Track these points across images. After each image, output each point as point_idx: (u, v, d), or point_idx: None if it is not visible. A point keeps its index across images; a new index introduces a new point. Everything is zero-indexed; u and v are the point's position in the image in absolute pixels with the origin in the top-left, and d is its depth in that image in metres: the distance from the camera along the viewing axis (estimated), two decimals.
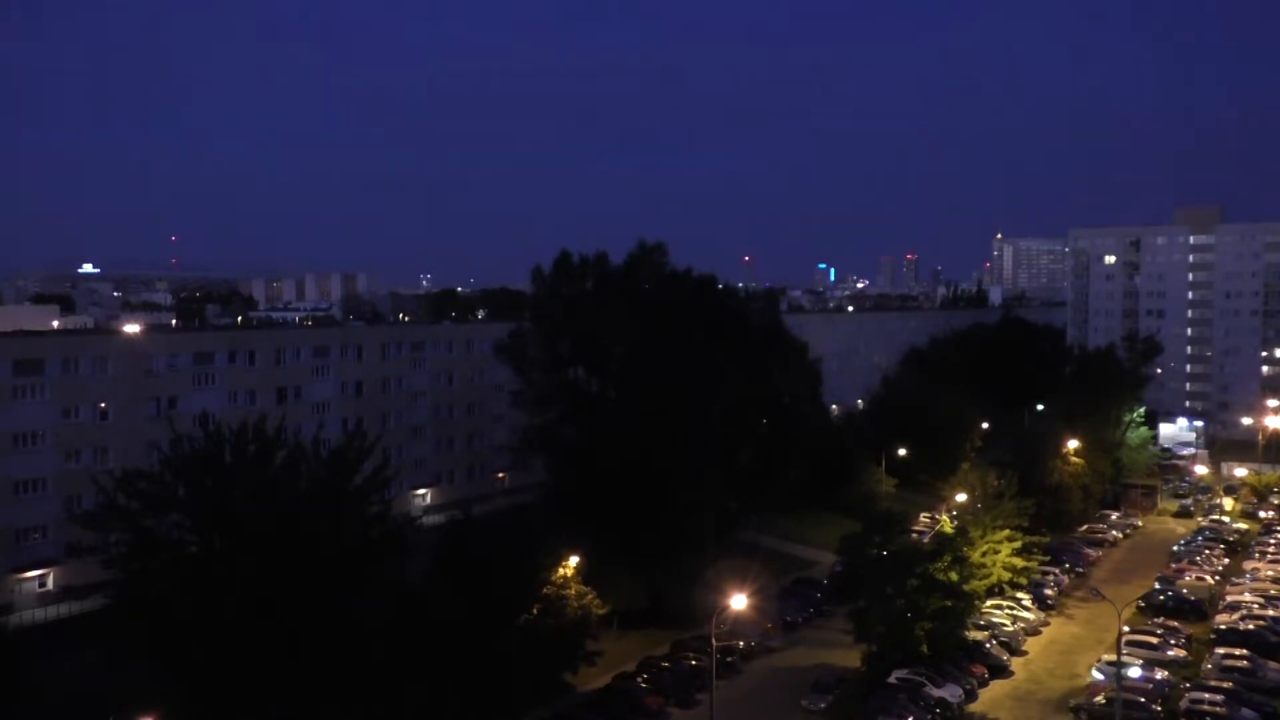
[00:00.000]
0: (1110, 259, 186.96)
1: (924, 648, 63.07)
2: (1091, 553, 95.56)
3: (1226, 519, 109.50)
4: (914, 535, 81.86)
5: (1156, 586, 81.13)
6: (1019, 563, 77.18)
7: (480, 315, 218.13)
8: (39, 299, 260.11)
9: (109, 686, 50.62)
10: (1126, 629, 65.87)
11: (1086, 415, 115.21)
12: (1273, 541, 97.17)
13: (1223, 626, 72.15)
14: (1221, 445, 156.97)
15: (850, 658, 66.85)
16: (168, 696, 46.94)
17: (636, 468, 72.52)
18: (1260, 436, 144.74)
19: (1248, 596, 78.64)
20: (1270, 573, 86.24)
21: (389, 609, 51.05)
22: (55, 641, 62.52)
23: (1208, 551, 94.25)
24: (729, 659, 66.63)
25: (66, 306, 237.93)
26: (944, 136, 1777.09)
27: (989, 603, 74.38)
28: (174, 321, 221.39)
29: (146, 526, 48.60)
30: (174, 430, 51.56)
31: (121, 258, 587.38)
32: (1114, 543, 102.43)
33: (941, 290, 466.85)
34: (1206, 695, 58.47)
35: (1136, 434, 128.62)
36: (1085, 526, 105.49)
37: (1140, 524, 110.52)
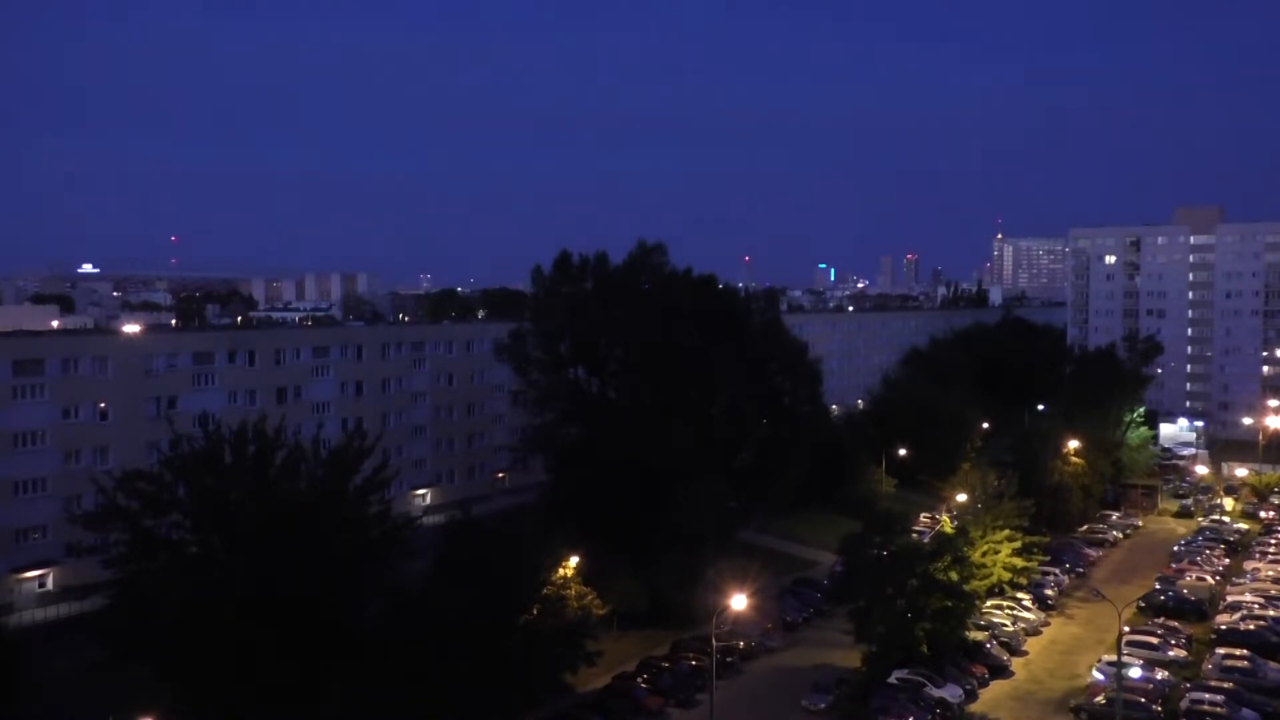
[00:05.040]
0: (1110, 259, 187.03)
1: (924, 648, 63.02)
2: (1092, 553, 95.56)
3: (1227, 519, 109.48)
4: (914, 535, 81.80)
5: (1157, 586, 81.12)
6: (1019, 563, 77.11)
7: (480, 315, 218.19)
8: (39, 299, 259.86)
9: (109, 686, 50.55)
10: (1127, 629, 65.85)
11: (1086, 415, 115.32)
12: (1273, 541, 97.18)
13: (1223, 627, 72.14)
14: (1222, 445, 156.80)
15: (850, 658, 66.81)
16: (167, 696, 46.93)
17: (637, 468, 72.55)
18: (1260, 436, 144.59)
19: (1248, 597, 78.61)
20: (1271, 573, 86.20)
21: (388, 609, 51.10)
22: (55, 641, 62.42)
23: (1208, 552, 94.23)
24: (729, 659, 66.62)
25: (66, 306, 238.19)
26: (944, 136, 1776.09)
27: (989, 603, 74.36)
28: (174, 321, 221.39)
29: (146, 526, 48.75)
30: (174, 430, 51.69)
31: (121, 258, 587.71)
32: (1114, 543, 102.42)
33: (942, 290, 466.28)
34: (1207, 695, 58.44)
35: (1136, 434, 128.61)
36: (1085, 526, 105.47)
37: (1140, 524, 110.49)
